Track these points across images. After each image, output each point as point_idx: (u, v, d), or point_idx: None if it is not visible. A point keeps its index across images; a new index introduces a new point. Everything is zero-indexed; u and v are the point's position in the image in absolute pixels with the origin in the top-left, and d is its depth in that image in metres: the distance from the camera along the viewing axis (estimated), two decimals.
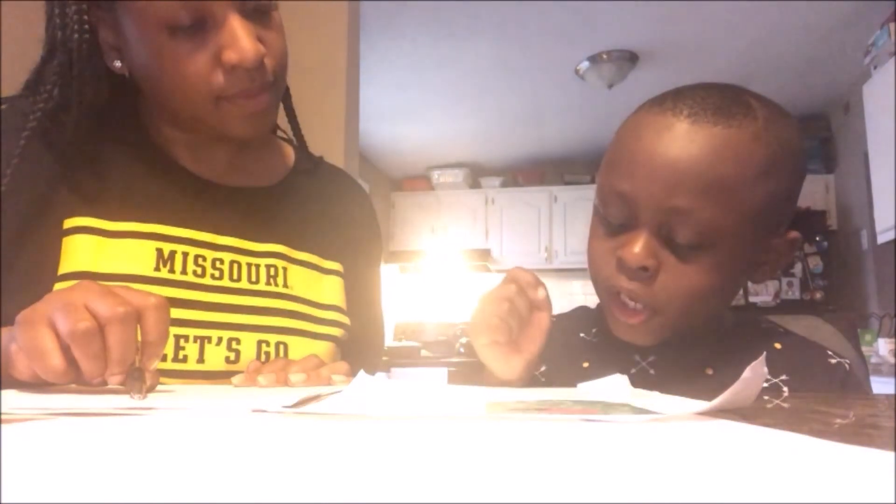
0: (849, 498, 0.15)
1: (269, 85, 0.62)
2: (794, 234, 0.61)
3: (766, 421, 0.31)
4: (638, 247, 0.55)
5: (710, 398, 0.60)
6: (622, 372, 0.62)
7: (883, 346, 2.79)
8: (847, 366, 0.63)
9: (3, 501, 0.13)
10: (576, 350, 0.70)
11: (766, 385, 0.60)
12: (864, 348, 2.76)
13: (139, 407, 0.35)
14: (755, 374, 0.33)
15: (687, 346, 0.62)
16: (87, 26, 0.59)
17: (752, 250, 0.58)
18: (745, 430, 0.27)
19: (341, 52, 1.74)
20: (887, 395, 0.52)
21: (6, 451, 0.20)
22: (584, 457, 0.21)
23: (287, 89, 0.77)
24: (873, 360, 2.73)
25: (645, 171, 0.55)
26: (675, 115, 0.55)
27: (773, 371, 0.61)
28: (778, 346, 0.65)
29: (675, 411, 0.32)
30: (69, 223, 0.61)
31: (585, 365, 0.67)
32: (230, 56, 0.58)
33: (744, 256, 0.58)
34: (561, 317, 0.77)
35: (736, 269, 0.58)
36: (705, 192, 0.53)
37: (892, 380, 2.31)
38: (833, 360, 0.64)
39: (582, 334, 0.71)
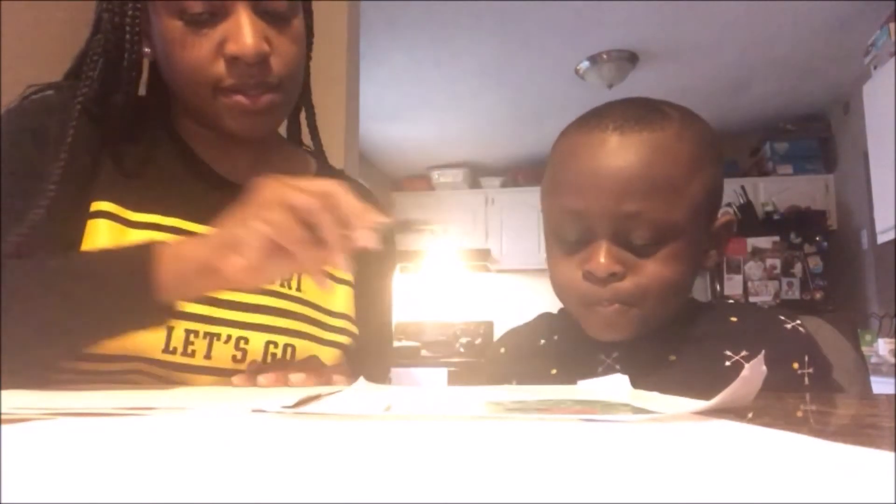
0: (849, 498, 0.15)
1: (272, 86, 0.63)
2: (726, 216, 0.66)
3: (766, 421, 0.31)
4: (602, 257, 0.60)
5: (676, 384, 0.61)
6: (590, 372, 0.65)
7: (883, 346, 2.79)
8: (802, 329, 0.66)
9: (3, 501, 0.13)
10: (541, 358, 0.71)
11: (728, 364, 0.63)
12: (864, 348, 2.75)
13: (139, 407, 0.35)
14: (753, 372, 0.33)
15: (648, 337, 0.64)
16: (138, 15, 0.62)
17: (698, 237, 0.63)
18: (745, 429, 0.27)
19: (341, 52, 1.74)
20: (887, 395, 0.52)
21: (6, 451, 0.20)
22: (584, 457, 0.21)
23: (311, 108, 0.78)
24: (873, 360, 2.73)
25: (591, 186, 0.60)
26: (602, 130, 0.61)
27: (734, 347, 0.64)
28: (734, 319, 0.67)
29: (675, 411, 0.32)
30: (95, 206, 0.62)
31: (553, 372, 0.68)
32: (231, 47, 0.60)
33: (694, 244, 0.63)
34: (522, 327, 0.79)
35: (691, 257, 0.63)
36: (649, 193, 0.59)
37: (892, 380, 2.31)
38: (788, 325, 0.66)
39: (542, 341, 0.73)
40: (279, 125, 0.73)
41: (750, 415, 0.33)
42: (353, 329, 0.75)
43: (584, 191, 0.60)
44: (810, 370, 0.63)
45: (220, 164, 0.71)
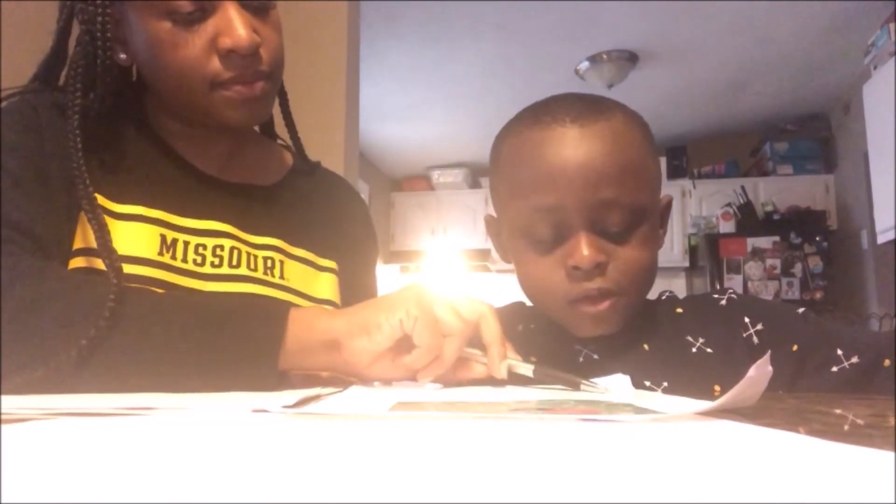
0: (849, 498, 0.15)
1: (264, 75, 0.65)
2: (666, 197, 0.68)
3: (767, 421, 0.31)
4: (585, 249, 0.59)
5: (651, 372, 0.62)
6: (570, 361, 0.66)
7: None
8: (734, 296, 0.69)
9: (3, 501, 0.13)
10: (519, 344, 0.71)
11: (693, 350, 0.65)
12: None
13: (139, 407, 0.35)
14: (759, 373, 0.33)
15: (621, 328, 0.66)
16: (109, 20, 0.62)
17: (656, 218, 0.65)
18: (746, 430, 0.27)
19: (341, 52, 1.74)
20: (887, 395, 0.52)
21: (6, 451, 0.20)
22: (586, 457, 0.21)
23: (285, 95, 0.79)
24: None
25: (564, 179, 0.59)
26: (560, 124, 0.61)
27: (692, 335, 0.67)
28: (680, 310, 0.70)
29: (677, 411, 0.32)
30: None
31: (533, 360, 0.68)
32: (225, 41, 0.61)
33: (655, 224, 0.65)
34: (499, 310, 0.78)
35: (655, 238, 0.65)
36: (619, 178, 0.60)
37: None
38: (722, 302, 0.69)
39: (520, 327, 0.73)
40: (269, 113, 0.74)
41: (751, 415, 0.33)
42: None
43: (557, 185, 0.59)
44: (759, 327, 0.65)
45: (197, 158, 0.72)
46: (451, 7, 2.89)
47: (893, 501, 0.14)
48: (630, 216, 0.60)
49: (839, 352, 0.62)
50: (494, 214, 0.71)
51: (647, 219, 0.62)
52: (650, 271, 0.64)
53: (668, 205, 0.69)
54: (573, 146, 0.60)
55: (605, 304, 0.61)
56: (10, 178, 0.59)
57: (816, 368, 0.62)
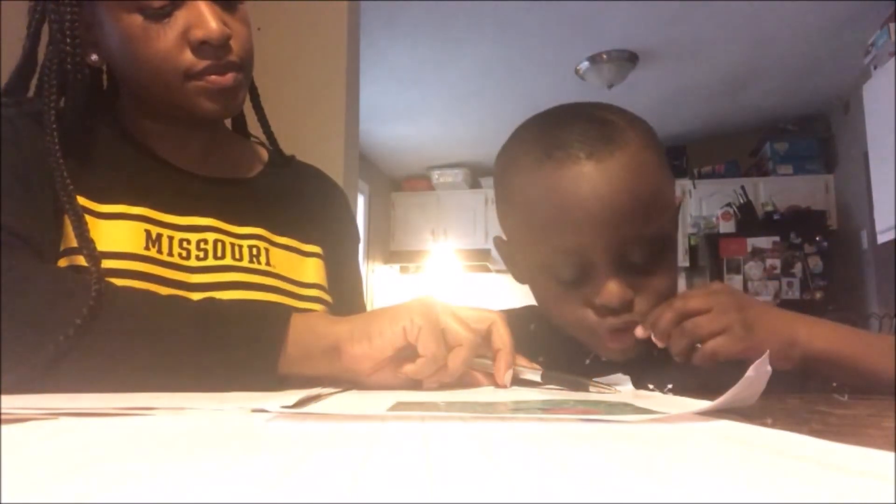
0: (849, 498, 0.15)
1: (236, 66, 0.67)
2: (677, 199, 0.67)
3: (767, 421, 0.31)
4: (613, 287, 0.58)
5: (658, 374, 0.62)
6: (577, 362, 0.66)
7: None
8: None
9: (3, 501, 0.13)
10: (529, 343, 0.71)
11: None
12: None
13: (139, 407, 0.35)
14: (758, 373, 0.33)
15: None
16: (77, 23, 0.63)
17: (676, 240, 0.66)
18: (746, 429, 0.27)
19: (341, 52, 1.74)
20: (887, 395, 0.52)
21: (6, 451, 0.20)
22: (585, 457, 0.21)
23: (255, 91, 0.80)
24: None
25: (588, 222, 0.57)
26: (574, 161, 0.58)
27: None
28: None
29: (677, 411, 0.32)
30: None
31: (540, 359, 0.68)
32: (197, 33, 0.63)
33: (675, 246, 0.65)
34: (513, 310, 0.79)
35: (675, 258, 0.65)
36: (643, 212, 0.58)
37: None
38: None
39: (532, 326, 0.73)
40: (242, 105, 0.75)
41: (751, 415, 0.33)
42: (327, 297, 0.77)
43: (578, 227, 0.58)
44: None
45: (173, 156, 0.73)
46: (451, 7, 2.89)
47: (893, 501, 0.14)
48: (654, 247, 0.59)
49: None
50: (503, 237, 0.71)
51: (670, 244, 0.62)
52: (673, 293, 0.62)
53: (679, 205, 0.68)
54: (591, 186, 0.57)
55: (630, 341, 0.60)
56: None
57: (816, 386, 0.63)
